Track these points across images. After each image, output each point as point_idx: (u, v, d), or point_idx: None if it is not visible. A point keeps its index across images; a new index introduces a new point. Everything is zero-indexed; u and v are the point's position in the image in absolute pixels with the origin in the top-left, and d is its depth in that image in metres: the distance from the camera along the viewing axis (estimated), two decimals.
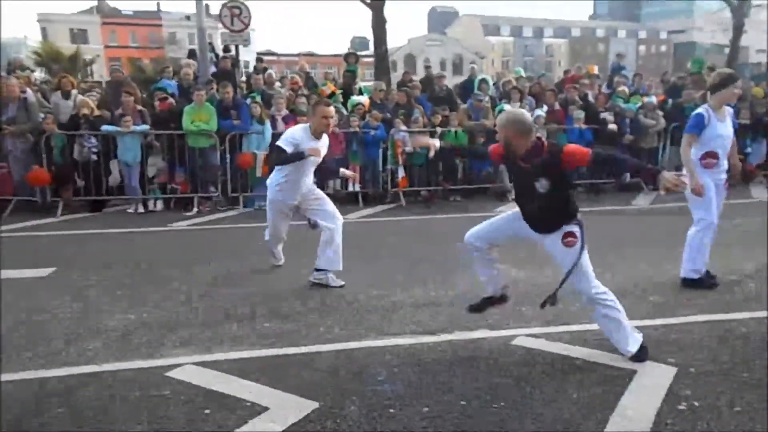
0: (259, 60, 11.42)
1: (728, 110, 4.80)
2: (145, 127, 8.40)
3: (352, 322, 4.17)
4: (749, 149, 10.56)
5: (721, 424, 2.80)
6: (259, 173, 8.70)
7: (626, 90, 10.66)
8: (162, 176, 8.73)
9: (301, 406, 2.96)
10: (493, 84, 11.14)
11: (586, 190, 10.06)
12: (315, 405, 2.97)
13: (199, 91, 8.41)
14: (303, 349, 3.69)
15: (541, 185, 3.31)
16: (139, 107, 8.58)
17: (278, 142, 4.90)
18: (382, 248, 6.44)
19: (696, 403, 2.97)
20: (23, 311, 4.32)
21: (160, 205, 8.66)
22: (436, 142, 3.95)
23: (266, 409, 2.94)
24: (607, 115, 9.78)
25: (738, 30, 19.61)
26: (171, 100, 8.83)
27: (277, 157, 4.89)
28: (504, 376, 3.29)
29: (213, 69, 10.75)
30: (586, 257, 3.41)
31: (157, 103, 8.73)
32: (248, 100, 8.91)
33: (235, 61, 11.11)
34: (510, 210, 3.78)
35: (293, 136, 4.85)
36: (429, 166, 9.26)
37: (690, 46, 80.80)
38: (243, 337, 3.91)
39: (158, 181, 8.74)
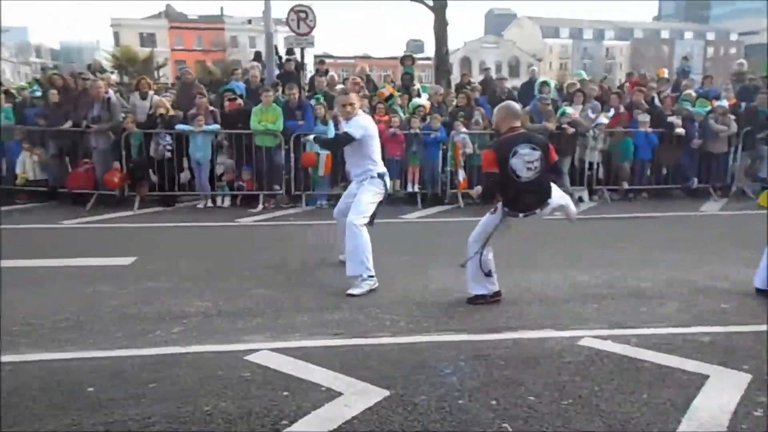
0: (321, 62, 11.72)
1: None
2: (216, 126, 8.79)
3: (416, 316, 4.28)
4: None
5: None
6: (321, 172, 8.95)
7: (692, 93, 10.33)
8: (229, 174, 9.11)
9: (372, 393, 3.09)
10: (555, 87, 11.02)
11: (650, 195, 9.82)
12: (386, 393, 3.10)
13: (267, 93, 8.73)
14: (370, 341, 3.83)
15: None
16: (211, 108, 8.99)
17: (347, 130, 4.90)
18: (440, 248, 6.50)
19: None
20: (111, 297, 4.66)
21: (227, 201, 9.04)
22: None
23: (340, 394, 3.08)
24: (675, 119, 9.51)
25: None
26: (240, 101, 9.19)
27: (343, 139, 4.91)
28: (572, 374, 3.32)
29: (277, 71, 11.13)
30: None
31: (226, 103, 9.11)
32: (312, 101, 9.17)
33: (300, 63, 11.44)
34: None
35: (362, 123, 4.90)
36: None
37: (763, 48, 76.82)
38: (312, 325, 4.09)
39: (226, 178, 9.12)
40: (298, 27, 10.86)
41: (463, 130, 9.14)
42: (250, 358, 3.51)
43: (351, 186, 5.31)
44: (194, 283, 5.02)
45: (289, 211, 8.71)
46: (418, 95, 10.36)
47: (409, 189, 9.29)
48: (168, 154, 8.67)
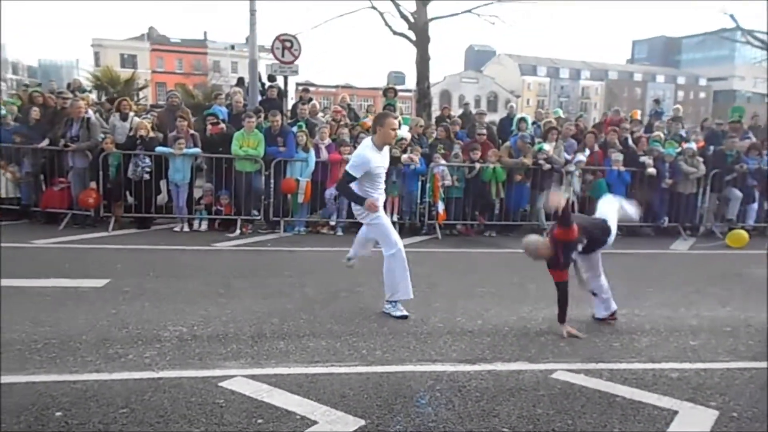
0: (305, 90, 11.86)
1: None
2: (197, 150, 8.79)
3: (393, 346, 4.29)
4: None
5: None
6: (301, 199, 8.97)
7: (662, 135, 10.69)
8: (208, 198, 9.07)
9: (348, 422, 3.09)
10: (532, 123, 11.30)
11: (623, 233, 10.04)
12: (361, 422, 3.09)
13: (250, 119, 8.78)
14: (347, 369, 3.83)
15: None
16: (192, 131, 8.99)
17: (347, 168, 4.88)
18: (417, 278, 6.52)
19: None
20: (83, 319, 4.57)
21: (204, 225, 8.97)
22: (562, 201, 4.39)
23: (315, 422, 3.07)
24: (647, 159, 9.82)
25: None
26: (222, 125, 9.22)
27: (343, 184, 4.92)
28: (546, 407, 3.36)
29: (260, 97, 11.22)
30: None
31: (209, 127, 9.13)
32: (295, 129, 9.24)
33: (282, 91, 11.55)
34: None
35: (361, 157, 4.83)
36: (466, 200, 9.40)
37: (730, 94, 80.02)
38: (288, 352, 4.07)
39: (204, 202, 9.08)
40: (283, 55, 11.01)
41: (443, 162, 9.30)
42: (225, 384, 3.48)
43: None
44: (169, 307, 4.96)
45: (267, 237, 8.68)
46: (399, 127, 10.50)
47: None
48: (146, 176, 8.61)
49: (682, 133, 11.74)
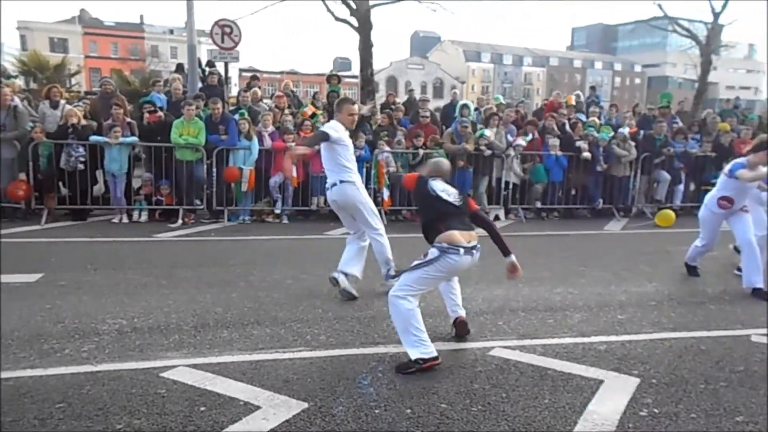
0: (254, 78, 11.64)
1: None
2: (134, 138, 8.53)
3: (338, 330, 4.37)
4: (714, 180, 11.05)
5: (678, 428, 3.06)
6: (245, 188, 8.88)
7: (597, 120, 11.14)
8: (147, 188, 8.84)
9: (291, 406, 3.14)
10: (474, 109, 11.53)
11: (561, 215, 10.47)
12: (305, 405, 3.15)
13: (189, 106, 8.58)
14: (290, 354, 3.87)
15: None
16: (128, 119, 8.71)
17: (322, 128, 5.29)
18: (365, 263, 6.64)
19: (656, 410, 3.23)
20: (16, 315, 4.42)
21: (144, 216, 8.75)
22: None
23: (258, 407, 3.11)
24: (582, 144, 10.22)
25: (705, 67, 20.58)
26: (160, 113, 8.97)
27: (318, 137, 5.12)
28: (482, 382, 3.51)
29: (200, 84, 10.95)
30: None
31: (146, 115, 8.86)
32: (236, 116, 9.10)
33: (223, 77, 11.31)
34: None
35: (332, 124, 5.15)
36: None
37: (663, 80, 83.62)
38: (232, 341, 4.07)
39: (143, 192, 8.84)
40: (223, 41, 10.77)
41: (387, 149, 9.38)
42: (167, 374, 3.46)
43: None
44: (108, 300, 4.85)
45: (210, 227, 8.56)
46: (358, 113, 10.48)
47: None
48: (81, 166, 8.31)
49: (616, 118, 12.26)
